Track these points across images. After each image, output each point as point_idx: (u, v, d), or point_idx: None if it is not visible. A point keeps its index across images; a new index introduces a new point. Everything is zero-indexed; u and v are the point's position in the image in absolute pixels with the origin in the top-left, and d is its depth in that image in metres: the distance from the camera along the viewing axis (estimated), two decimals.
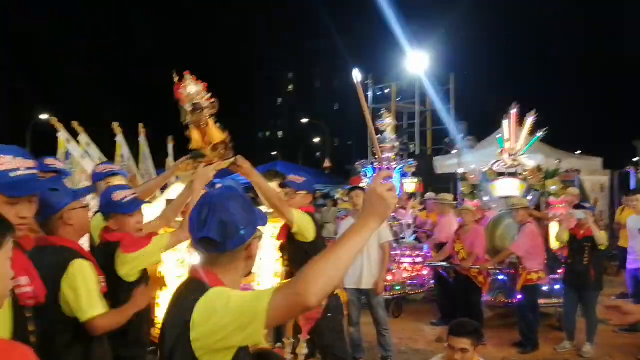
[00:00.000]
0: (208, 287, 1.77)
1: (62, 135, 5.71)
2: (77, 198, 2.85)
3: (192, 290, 1.80)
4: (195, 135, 3.55)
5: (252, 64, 64.01)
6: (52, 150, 5.69)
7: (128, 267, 3.21)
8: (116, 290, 3.10)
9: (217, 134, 3.54)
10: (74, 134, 5.87)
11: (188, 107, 3.45)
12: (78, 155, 5.71)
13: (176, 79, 3.50)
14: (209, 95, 3.52)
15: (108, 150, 6.14)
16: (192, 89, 3.45)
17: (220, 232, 1.78)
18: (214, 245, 1.80)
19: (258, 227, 1.90)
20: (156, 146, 6.77)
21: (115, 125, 6.19)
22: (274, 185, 5.29)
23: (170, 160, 6.89)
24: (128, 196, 3.29)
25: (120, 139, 6.18)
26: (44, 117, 21.97)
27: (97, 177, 4.08)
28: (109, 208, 3.31)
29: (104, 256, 3.19)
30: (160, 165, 6.88)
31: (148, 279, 3.37)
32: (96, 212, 3.90)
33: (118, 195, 3.26)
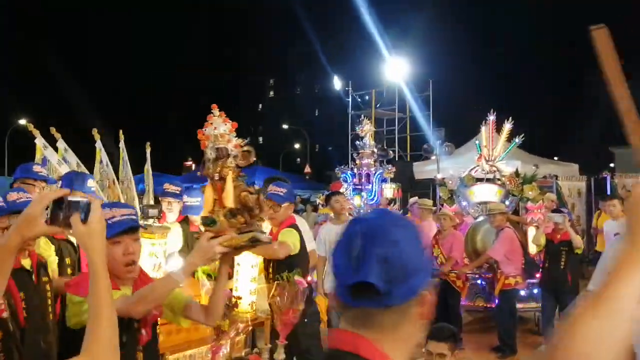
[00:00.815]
0: None
1: (39, 141, 5.66)
2: None
3: None
4: (208, 192, 2.64)
5: (233, 70, 63.92)
6: (30, 157, 5.64)
7: (68, 308, 2.46)
8: (63, 334, 2.64)
9: (234, 197, 2.59)
10: (52, 140, 5.82)
11: (210, 154, 2.63)
12: (55, 161, 5.66)
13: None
14: (241, 140, 2.66)
15: (87, 156, 6.09)
16: (217, 130, 2.62)
17: (383, 274, 1.16)
18: (374, 295, 1.16)
19: None
20: (134, 152, 6.74)
21: (95, 131, 6.16)
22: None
23: (148, 166, 6.87)
24: (117, 216, 2.48)
25: (99, 145, 6.14)
26: (22, 122, 21.75)
27: (65, 182, 4.04)
28: None
29: None
30: (138, 172, 6.85)
31: None
32: None
33: (105, 215, 2.65)
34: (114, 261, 2.44)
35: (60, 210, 1.46)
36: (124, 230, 2.49)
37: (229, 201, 2.56)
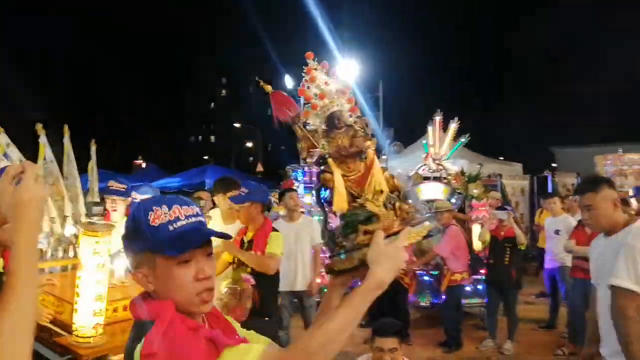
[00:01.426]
0: None
1: None
2: None
3: None
4: (338, 180, 1.78)
5: (185, 68, 63.06)
6: None
7: None
8: None
9: (385, 178, 1.84)
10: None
11: (318, 122, 1.77)
12: None
13: (268, 88, 1.91)
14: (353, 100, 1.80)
15: (30, 152, 5.92)
16: (326, 87, 1.77)
17: None
18: None
19: None
20: (78, 149, 6.59)
21: (39, 126, 5.98)
22: (220, 198, 5.09)
23: (92, 163, 6.72)
24: (181, 218, 1.48)
25: (43, 140, 5.97)
26: None
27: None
28: (139, 242, 1.48)
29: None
30: (82, 169, 6.69)
31: None
32: None
33: (158, 215, 1.47)
34: (183, 290, 1.46)
35: None
36: (196, 243, 1.47)
37: (382, 184, 1.82)
